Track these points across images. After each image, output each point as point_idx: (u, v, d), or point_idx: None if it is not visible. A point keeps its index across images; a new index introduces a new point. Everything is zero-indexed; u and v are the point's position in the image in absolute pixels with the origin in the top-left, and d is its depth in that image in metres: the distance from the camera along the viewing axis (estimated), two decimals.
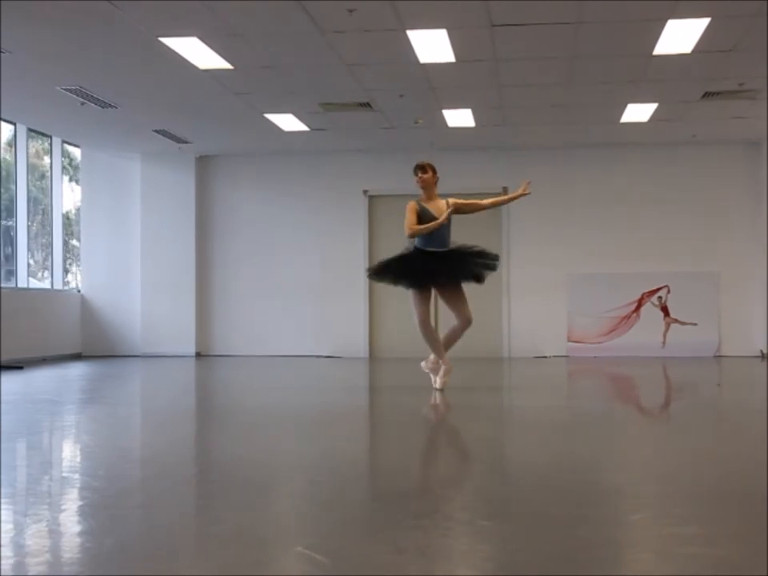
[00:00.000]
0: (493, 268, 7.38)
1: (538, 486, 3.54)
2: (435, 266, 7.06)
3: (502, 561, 2.50)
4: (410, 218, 7.05)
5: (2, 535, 2.75)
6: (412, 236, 7.10)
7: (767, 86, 8.73)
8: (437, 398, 6.78)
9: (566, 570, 2.39)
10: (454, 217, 7.20)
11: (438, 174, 7.28)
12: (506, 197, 7.96)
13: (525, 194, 7.32)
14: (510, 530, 2.84)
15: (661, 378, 9.29)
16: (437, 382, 7.22)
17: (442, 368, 7.21)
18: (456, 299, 7.18)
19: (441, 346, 7.22)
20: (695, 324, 11.82)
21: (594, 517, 2.99)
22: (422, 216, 7.08)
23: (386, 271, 7.31)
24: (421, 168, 7.21)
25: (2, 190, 11.32)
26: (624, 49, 7.61)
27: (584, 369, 10.36)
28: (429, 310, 7.17)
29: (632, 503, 3.28)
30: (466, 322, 7.17)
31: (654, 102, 9.53)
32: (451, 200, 7.22)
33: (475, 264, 7.27)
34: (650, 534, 2.81)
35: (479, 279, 7.28)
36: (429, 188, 7.20)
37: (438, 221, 7.02)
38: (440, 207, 7.16)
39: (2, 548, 2.58)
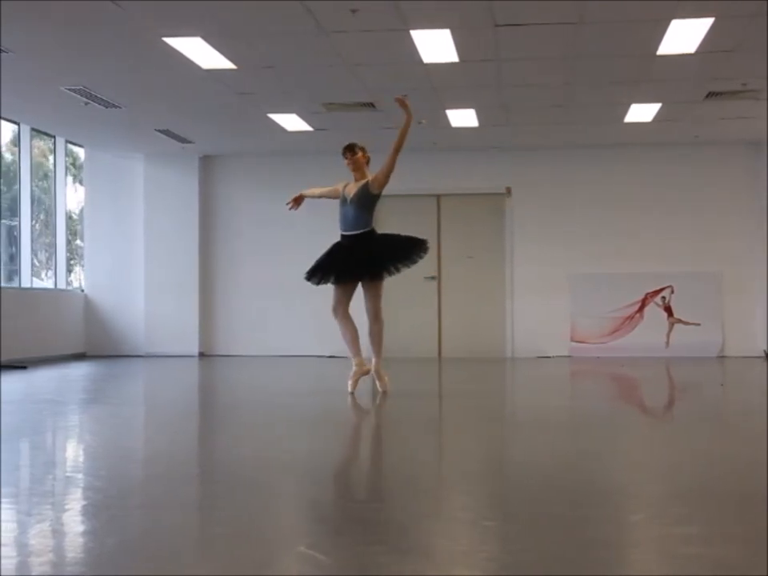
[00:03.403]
0: (413, 260, 6.92)
1: (542, 487, 3.54)
2: (347, 258, 6.76)
3: (505, 561, 2.50)
4: (319, 188, 7.09)
5: (6, 534, 2.75)
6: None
7: None
8: (439, 398, 6.77)
9: (568, 571, 2.39)
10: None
11: (369, 155, 7.01)
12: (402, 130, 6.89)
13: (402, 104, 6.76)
14: (513, 530, 2.84)
15: (664, 379, 9.28)
16: (350, 383, 6.97)
17: (353, 369, 6.95)
18: (368, 293, 6.88)
19: (353, 340, 6.95)
20: (698, 324, 11.81)
21: (597, 517, 2.99)
22: (343, 198, 6.86)
23: (317, 269, 6.92)
24: (350, 149, 6.95)
25: (3, 189, 11.33)
26: (627, 49, 7.60)
27: (587, 369, 10.35)
28: (342, 297, 6.86)
29: (634, 503, 3.28)
30: (372, 317, 6.87)
31: (657, 102, 9.52)
32: (372, 176, 6.88)
33: (392, 255, 6.84)
34: (652, 534, 2.80)
35: (394, 268, 6.84)
36: (358, 169, 6.93)
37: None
38: (352, 188, 6.89)
39: (5, 547, 2.59)
